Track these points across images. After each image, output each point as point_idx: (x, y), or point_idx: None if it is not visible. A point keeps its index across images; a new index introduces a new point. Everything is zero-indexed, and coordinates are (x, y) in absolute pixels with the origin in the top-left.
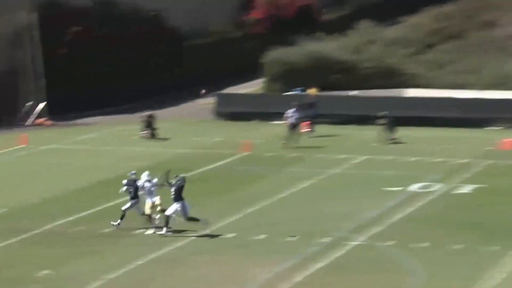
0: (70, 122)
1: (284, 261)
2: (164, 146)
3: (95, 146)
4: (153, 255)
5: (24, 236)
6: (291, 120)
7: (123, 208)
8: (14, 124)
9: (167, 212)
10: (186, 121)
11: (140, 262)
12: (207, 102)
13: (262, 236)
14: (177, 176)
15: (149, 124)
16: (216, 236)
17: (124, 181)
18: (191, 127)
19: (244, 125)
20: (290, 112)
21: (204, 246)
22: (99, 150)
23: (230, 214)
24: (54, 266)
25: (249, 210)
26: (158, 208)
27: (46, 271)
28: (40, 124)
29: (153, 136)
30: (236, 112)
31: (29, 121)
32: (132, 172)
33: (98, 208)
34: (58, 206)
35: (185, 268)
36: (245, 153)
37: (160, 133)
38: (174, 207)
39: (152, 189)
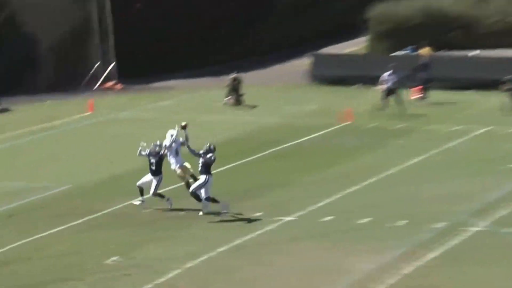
0: (143, 86)
1: (390, 250)
2: (251, 115)
3: (172, 114)
4: (237, 241)
5: (90, 217)
6: (387, 85)
7: (152, 191)
8: (79, 88)
9: (203, 195)
10: (276, 86)
11: (222, 249)
12: (301, 64)
13: (365, 220)
14: (209, 147)
15: (234, 88)
16: (312, 219)
17: (145, 149)
18: (282, 93)
19: (344, 90)
20: (386, 75)
21: (297, 231)
22: (176, 119)
23: (327, 194)
24: (124, 252)
25: (349, 190)
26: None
27: (115, 258)
28: (108, 89)
29: (238, 102)
30: (335, 76)
31: (97, 85)
32: (157, 143)
33: (174, 187)
34: (128, 183)
35: (274, 256)
36: (345, 123)
37: (247, 99)
38: (201, 183)
39: (179, 149)
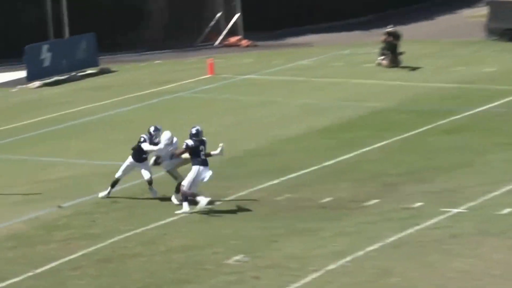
0: (275, 43)
1: None
2: (410, 79)
3: (310, 77)
4: (392, 238)
5: (224, 200)
6: None
7: (148, 177)
8: (196, 45)
9: (184, 182)
10: (443, 42)
11: (372, 247)
12: (475, 15)
13: None
14: (190, 132)
15: (390, 46)
16: (486, 211)
17: (146, 145)
18: (450, 51)
19: None
20: None
21: (468, 226)
22: (315, 83)
23: (507, 179)
24: (251, 250)
25: None
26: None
27: (238, 257)
28: (232, 45)
29: (395, 63)
30: None
31: (217, 41)
32: (155, 127)
33: (314, 168)
34: (260, 162)
35: (438, 257)
36: None
37: (406, 59)
38: (190, 175)
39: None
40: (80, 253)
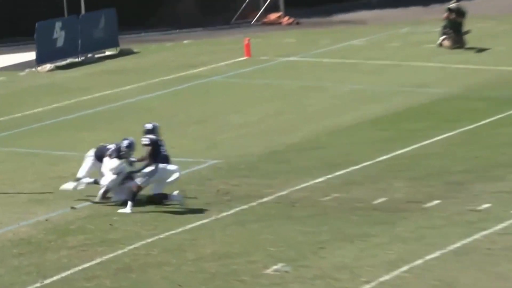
0: (321, 20)
1: None
2: (477, 62)
3: (362, 59)
4: (455, 245)
5: (244, 206)
6: None
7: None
8: (231, 23)
9: (138, 179)
10: None
11: (432, 256)
12: None
13: None
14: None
15: (453, 24)
16: None
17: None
18: None
19: None
20: None
21: None
22: (368, 66)
23: None
24: (293, 258)
25: None
26: None
27: (278, 266)
28: (272, 23)
29: (459, 43)
30: None
31: (255, 18)
32: (129, 143)
33: (366, 164)
34: (304, 157)
35: (508, 266)
36: None
37: (471, 39)
38: (150, 173)
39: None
40: (96, 261)
